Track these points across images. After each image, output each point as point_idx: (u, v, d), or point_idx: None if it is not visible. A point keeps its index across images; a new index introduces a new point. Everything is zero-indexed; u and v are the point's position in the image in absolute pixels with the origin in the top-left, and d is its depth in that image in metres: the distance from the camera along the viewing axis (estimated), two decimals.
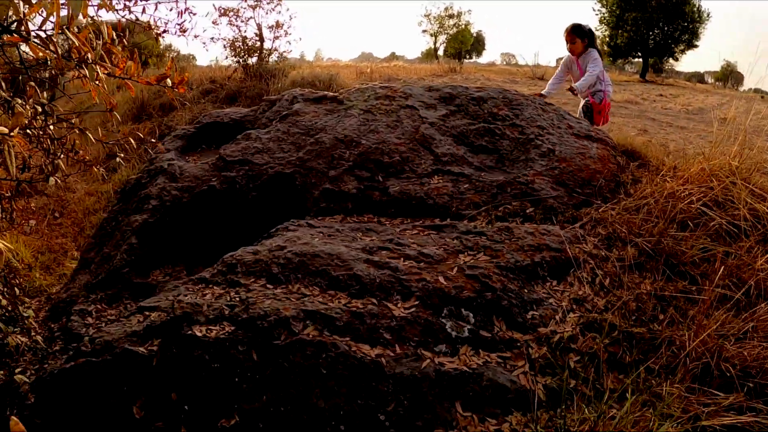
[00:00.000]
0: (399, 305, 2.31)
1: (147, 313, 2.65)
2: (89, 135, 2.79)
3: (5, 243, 1.55)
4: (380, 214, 3.01)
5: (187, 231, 3.22)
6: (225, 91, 6.44)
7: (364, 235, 2.79)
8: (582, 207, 2.89)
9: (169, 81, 2.35)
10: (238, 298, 2.44)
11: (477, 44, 28.59)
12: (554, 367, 2.24)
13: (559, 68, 4.62)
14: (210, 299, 2.49)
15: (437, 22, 24.35)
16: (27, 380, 2.14)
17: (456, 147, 3.15)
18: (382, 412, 2.06)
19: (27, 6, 1.73)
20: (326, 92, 3.50)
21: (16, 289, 2.67)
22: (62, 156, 3.03)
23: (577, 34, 4.37)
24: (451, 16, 24.07)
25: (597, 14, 20.32)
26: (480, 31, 29.83)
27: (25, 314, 2.26)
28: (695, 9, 18.65)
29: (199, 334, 2.27)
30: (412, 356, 2.16)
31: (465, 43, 24.64)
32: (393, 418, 2.04)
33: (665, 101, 9.23)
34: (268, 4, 7.26)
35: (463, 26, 24.27)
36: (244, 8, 7.27)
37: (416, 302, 2.30)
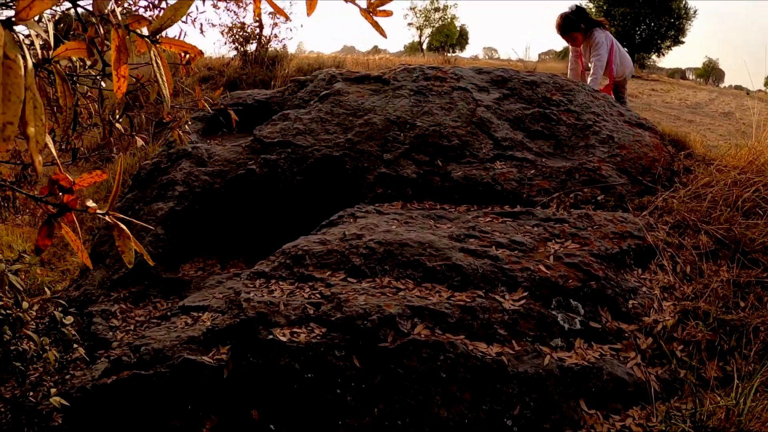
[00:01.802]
0: (507, 297, 2.20)
1: (195, 314, 2.34)
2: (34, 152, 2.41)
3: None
4: (442, 200, 2.87)
5: (220, 220, 2.90)
6: (225, 77, 5.96)
7: (438, 222, 2.64)
8: (645, 195, 2.92)
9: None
10: (319, 295, 2.21)
11: (461, 38, 29.06)
12: (662, 357, 2.24)
13: (570, 58, 4.40)
14: (282, 296, 2.23)
15: (423, 15, 24.66)
16: (54, 398, 1.77)
17: (513, 132, 3.07)
18: (508, 416, 1.95)
19: None
20: (368, 72, 3.28)
21: (18, 290, 2.22)
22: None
23: (572, 29, 4.02)
24: (437, 10, 24.44)
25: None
26: (464, 25, 30.36)
27: (28, 319, 1.88)
28: (682, 6, 19.61)
29: (283, 338, 2.03)
30: (532, 352, 2.06)
31: (451, 37, 24.95)
32: (521, 422, 1.94)
33: (660, 96, 9.73)
34: None
35: (449, 20, 24.71)
36: None
37: (525, 294, 2.20)
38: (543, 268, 2.31)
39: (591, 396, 2.04)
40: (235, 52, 6.83)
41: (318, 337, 2.04)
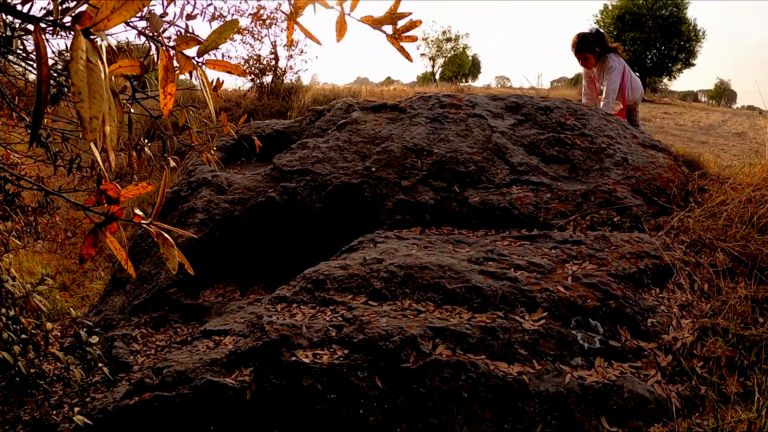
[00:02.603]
0: (527, 318, 2.26)
1: (216, 337, 2.43)
2: (95, 152, 2.55)
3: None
4: (460, 225, 2.95)
5: (240, 247, 3.00)
6: (242, 109, 6.17)
7: (457, 246, 2.72)
8: (660, 215, 2.99)
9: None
10: (341, 318, 2.28)
11: (473, 67, 29.58)
12: (682, 374, 2.27)
13: (583, 84, 4.51)
14: (304, 320, 2.31)
15: (435, 45, 25.11)
16: (88, 421, 1.85)
17: (528, 157, 3.17)
18: (534, 428, 1.99)
19: None
20: (385, 101, 3.41)
21: (42, 315, 2.31)
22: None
23: (586, 50, 4.13)
24: (448, 40, 24.88)
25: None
26: (476, 54, 31.04)
27: (50, 343, 1.96)
28: (691, 28, 19.91)
29: (305, 360, 2.10)
30: (553, 371, 2.11)
31: (463, 66, 25.38)
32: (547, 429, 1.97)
33: (673, 118, 9.88)
34: (282, 22, 7.05)
35: (461, 49, 25.15)
36: (259, 27, 7.04)
37: (544, 314, 2.26)
38: (562, 289, 2.37)
39: (612, 414, 2.07)
40: (251, 84, 7.05)
41: (340, 359, 2.11)
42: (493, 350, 2.13)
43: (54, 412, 2.09)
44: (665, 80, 21.69)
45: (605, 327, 2.29)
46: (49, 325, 2.38)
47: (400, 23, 1.24)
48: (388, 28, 1.28)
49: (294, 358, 2.12)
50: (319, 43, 1.39)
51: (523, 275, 2.43)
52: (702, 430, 2.10)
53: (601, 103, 4.01)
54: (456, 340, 2.14)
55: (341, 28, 1.20)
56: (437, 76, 25.55)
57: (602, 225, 2.88)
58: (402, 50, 1.27)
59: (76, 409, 2.06)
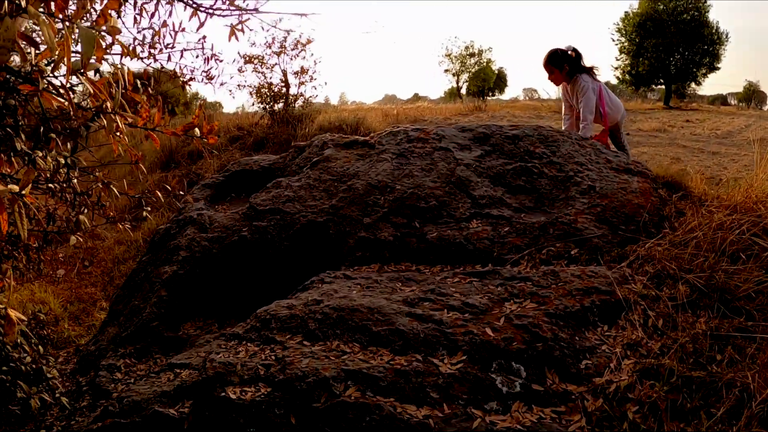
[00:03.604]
0: (446, 361, 2.29)
1: (177, 370, 2.67)
2: (114, 189, 2.87)
3: (34, 295, 1.58)
4: (419, 261, 3.02)
5: (218, 283, 3.26)
6: (252, 137, 6.62)
7: (404, 285, 2.79)
8: (627, 244, 2.86)
9: (197, 131, 2.41)
10: (273, 357, 2.45)
11: (499, 81, 29.13)
12: (612, 420, 2.19)
13: (563, 108, 4.44)
14: (244, 357, 2.50)
15: (458, 61, 25.15)
16: None
17: (493, 189, 3.16)
18: None
19: (35, 50, 1.69)
20: (357, 137, 3.57)
21: (40, 347, 2.70)
22: (86, 211, 3.11)
23: (552, 64, 4.12)
24: (472, 55, 24.82)
25: (617, 44, 21.26)
26: (502, 67, 30.58)
27: (48, 374, 2.28)
28: (714, 31, 19.37)
29: (233, 396, 2.28)
30: (462, 415, 2.13)
31: (488, 81, 25.23)
32: None
33: (693, 127, 9.31)
34: (292, 50, 7.49)
35: (485, 64, 24.97)
36: (269, 55, 7.51)
37: (464, 357, 2.29)
38: (489, 331, 2.37)
39: None
40: (263, 112, 7.41)
41: (262, 396, 2.27)
42: (403, 393, 2.19)
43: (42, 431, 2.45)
44: (693, 85, 20.68)
45: (529, 370, 2.26)
46: (51, 359, 2.77)
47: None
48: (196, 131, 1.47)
49: (224, 394, 2.31)
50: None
51: (452, 317, 2.46)
52: None
53: (581, 125, 3.88)
54: (367, 382, 2.22)
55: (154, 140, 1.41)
56: (463, 91, 25.30)
57: (558, 258, 2.81)
58: (205, 147, 1.45)
59: (55, 429, 2.40)
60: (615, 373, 2.35)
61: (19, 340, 2.31)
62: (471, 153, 3.29)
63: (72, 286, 4.35)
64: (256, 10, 2.48)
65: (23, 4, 1.16)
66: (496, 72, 27.60)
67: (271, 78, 7.40)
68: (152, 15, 2.94)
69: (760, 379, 2.13)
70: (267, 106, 7.38)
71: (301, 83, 7.48)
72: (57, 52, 1.40)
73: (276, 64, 7.40)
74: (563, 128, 4.29)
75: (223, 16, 2.56)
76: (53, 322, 3.57)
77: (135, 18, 3.01)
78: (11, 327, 1.50)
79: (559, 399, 2.23)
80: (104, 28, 1.55)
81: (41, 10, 1.30)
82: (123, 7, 2.92)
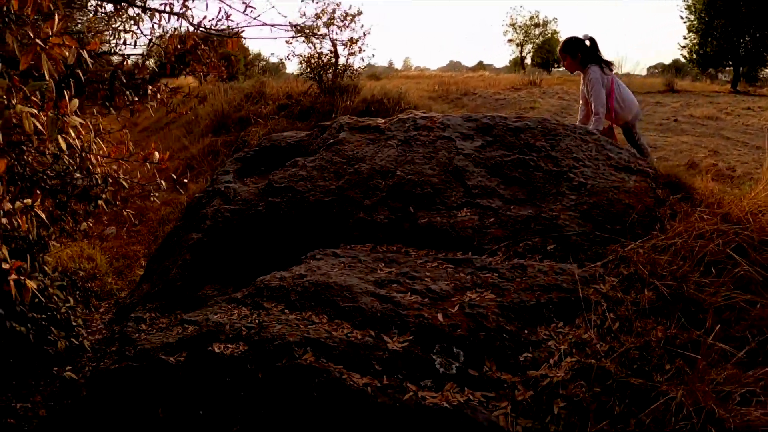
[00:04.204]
0: (395, 339, 2.66)
1: (186, 326, 3.26)
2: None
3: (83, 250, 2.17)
4: (409, 244, 3.36)
5: (237, 251, 3.82)
6: (299, 106, 7.13)
7: (386, 266, 3.16)
8: (609, 244, 3.00)
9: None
10: (257, 321, 2.95)
11: None
12: (538, 411, 2.44)
13: (581, 102, 4.55)
14: (235, 319, 3.03)
15: (522, 31, 24.96)
16: (75, 376, 2.82)
17: (489, 179, 3.40)
18: None
19: None
20: (370, 122, 3.91)
21: (71, 299, 3.40)
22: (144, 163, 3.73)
23: (566, 51, 4.33)
24: (536, 25, 24.54)
25: (685, 22, 20.73)
26: None
27: (75, 323, 2.94)
28: None
29: (217, 351, 2.81)
30: (397, 387, 2.50)
31: (552, 53, 24.66)
32: None
33: (750, 116, 8.54)
34: (342, 21, 7.88)
35: (549, 35, 24.60)
36: (319, 25, 7.96)
37: (410, 337, 2.64)
38: (439, 316, 2.70)
39: None
40: (312, 82, 7.82)
41: (239, 353, 2.78)
42: (352, 362, 2.59)
43: (68, 368, 3.17)
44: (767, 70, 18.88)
45: (468, 356, 2.57)
46: (93, 309, 3.51)
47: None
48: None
49: (211, 348, 2.86)
50: None
51: (412, 300, 2.80)
52: None
53: (592, 118, 3.93)
54: (323, 350, 2.65)
55: None
56: (528, 61, 24.49)
57: (534, 252, 3.03)
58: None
59: (86, 370, 3.11)
60: (553, 368, 2.57)
61: (54, 293, 3.00)
62: (472, 143, 3.52)
63: (121, 243, 5.18)
64: None
65: None
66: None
67: (320, 48, 7.86)
68: None
69: (687, 396, 2.28)
70: (315, 76, 7.85)
71: (351, 54, 7.87)
72: None
73: (326, 34, 7.84)
74: (578, 120, 4.35)
75: None
76: (99, 276, 4.37)
77: None
78: (27, 293, 2.03)
79: (491, 385, 2.52)
80: None
81: None
82: None
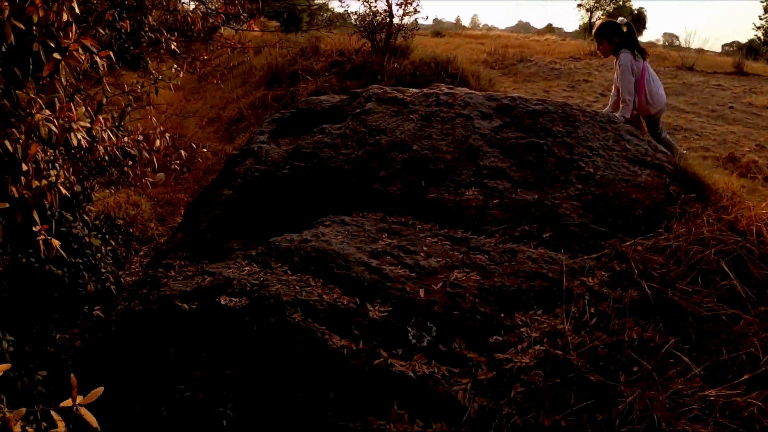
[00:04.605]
0: (377, 308, 2.92)
1: (205, 276, 3.68)
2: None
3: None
4: (417, 217, 3.57)
5: (262, 209, 4.19)
6: (350, 65, 7.32)
7: (389, 237, 3.40)
8: (609, 238, 3.06)
9: None
10: (261, 279, 3.31)
11: (637, 22, 27.12)
12: (495, 392, 2.63)
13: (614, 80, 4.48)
14: (244, 275, 3.40)
15: None
16: (102, 315, 3.33)
17: (502, 160, 3.51)
18: (332, 390, 2.74)
19: None
20: (397, 94, 4.07)
21: (103, 247, 3.87)
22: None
23: (602, 34, 4.30)
24: None
25: (762, 1, 19.17)
26: (641, 8, 28.24)
27: (104, 269, 3.43)
28: None
29: (223, 302, 3.20)
30: (370, 352, 2.77)
31: None
32: (338, 398, 2.71)
33: None
34: None
35: (620, 2, 23.18)
36: None
37: (390, 308, 2.89)
38: (421, 292, 2.92)
39: (405, 400, 2.65)
40: (365, 40, 7.88)
41: (241, 306, 3.15)
42: (335, 325, 2.88)
43: (97, 307, 3.69)
44: None
45: (441, 332, 2.79)
46: (133, 252, 4.04)
47: None
48: None
49: (218, 300, 3.27)
50: None
51: (400, 273, 3.03)
52: None
53: (620, 106, 3.85)
54: (311, 311, 2.95)
55: None
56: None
57: (529, 238, 3.14)
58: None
59: (97, 307, 3.62)
60: (519, 354, 2.73)
61: (90, 241, 3.47)
62: (490, 123, 3.61)
63: (168, 190, 5.70)
64: None
65: None
66: (635, 12, 26.10)
67: (375, 7, 7.90)
68: None
69: (639, 402, 2.38)
70: (368, 35, 7.93)
71: (405, 14, 7.85)
72: None
73: None
74: (607, 107, 4.27)
75: None
76: (142, 222, 4.92)
77: None
78: (52, 250, 2.45)
79: (457, 362, 2.73)
80: None
81: None
82: None
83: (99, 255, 3.40)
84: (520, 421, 2.54)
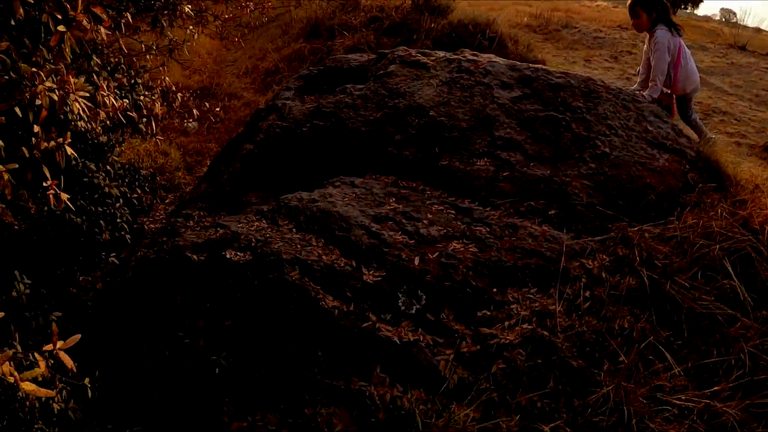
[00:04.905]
0: (371, 272, 3.02)
1: (219, 229, 3.85)
2: None
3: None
4: (428, 183, 3.60)
5: (281, 165, 4.30)
6: (389, 21, 7.22)
7: (396, 201, 3.46)
8: (616, 221, 3.03)
9: None
10: (267, 235, 3.45)
11: None
12: (477, 366, 2.70)
13: (642, 59, 4.26)
14: (251, 230, 3.53)
15: None
16: (117, 262, 3.57)
17: (518, 132, 3.48)
18: (321, 350, 2.88)
19: None
20: (420, 58, 4.06)
21: (120, 199, 4.07)
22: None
23: (641, 6, 4.03)
24: None
25: None
26: None
27: (119, 220, 3.62)
28: None
29: (228, 256, 3.35)
30: (360, 315, 2.88)
31: None
32: (326, 356, 2.84)
33: None
34: None
35: None
36: None
37: (384, 273, 2.98)
38: (416, 260, 2.99)
39: (388, 365, 2.74)
40: None
41: (245, 260, 3.30)
42: (329, 285, 2.99)
43: (113, 254, 3.92)
44: None
45: (430, 301, 2.86)
46: (159, 201, 4.27)
47: None
48: None
49: (224, 253, 3.43)
50: None
51: (399, 240, 3.10)
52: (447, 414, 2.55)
53: (649, 85, 3.68)
54: (309, 270, 3.06)
55: None
56: None
57: (534, 214, 3.14)
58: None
59: (113, 254, 3.85)
60: (505, 330, 2.77)
61: (111, 191, 3.67)
62: (510, 93, 3.56)
63: (200, 139, 5.89)
64: None
65: None
66: None
67: None
68: None
69: (615, 394, 2.40)
70: None
71: None
72: None
73: None
74: (635, 84, 4.11)
75: None
76: (170, 171, 5.13)
77: None
78: (60, 202, 2.63)
79: (443, 332, 2.80)
80: None
81: None
82: None
83: (117, 205, 3.60)
84: (497, 396, 2.61)
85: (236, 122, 6.05)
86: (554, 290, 2.87)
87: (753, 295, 2.58)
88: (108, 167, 3.75)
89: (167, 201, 4.66)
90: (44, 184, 2.27)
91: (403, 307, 2.88)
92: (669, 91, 3.87)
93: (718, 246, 2.66)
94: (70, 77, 1.93)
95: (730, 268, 2.57)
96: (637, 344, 2.61)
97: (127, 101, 2.85)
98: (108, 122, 2.46)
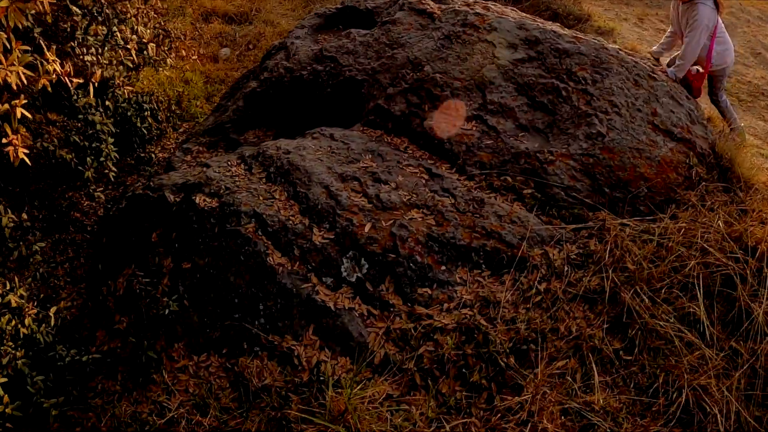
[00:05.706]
0: (321, 233, 3.01)
1: (203, 168, 3.97)
2: None
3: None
4: (412, 141, 3.49)
5: (281, 105, 4.29)
6: None
7: (372, 159, 3.39)
8: (597, 210, 2.84)
9: None
10: (235, 183, 3.51)
11: None
12: (404, 345, 2.65)
13: (669, 30, 3.88)
14: (225, 177, 3.58)
15: None
16: (102, 196, 3.78)
17: (513, 98, 3.29)
18: (262, 304, 2.93)
19: None
20: (428, 6, 3.89)
21: (109, 138, 4.19)
22: None
23: None
24: None
25: None
26: None
27: (103, 158, 3.77)
28: None
29: (197, 201, 3.45)
30: (302, 276, 2.90)
31: None
32: (267, 311, 2.89)
33: None
34: None
35: None
36: None
37: (333, 236, 2.97)
38: (367, 227, 2.94)
39: (320, 328, 2.76)
40: None
41: (209, 207, 3.39)
42: (279, 243, 3.01)
43: (99, 189, 4.13)
44: None
45: (372, 271, 2.82)
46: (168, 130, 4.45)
47: None
48: None
49: (193, 197, 3.52)
50: None
51: (357, 202, 3.05)
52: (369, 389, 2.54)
53: (676, 62, 3.30)
54: (264, 225, 3.09)
55: None
56: None
57: (509, 191, 2.98)
58: None
59: (99, 191, 4.05)
60: (443, 313, 2.69)
61: (103, 128, 3.82)
62: (513, 54, 3.34)
63: (228, 67, 5.92)
64: None
65: None
66: None
67: None
68: None
69: (532, 402, 2.29)
70: None
71: None
72: None
73: None
74: (662, 40, 3.72)
75: None
76: (188, 99, 5.23)
77: None
78: (17, 159, 2.81)
79: (380, 304, 2.77)
80: None
81: None
82: None
83: (104, 144, 3.76)
84: (419, 378, 2.58)
85: (263, 52, 6.10)
86: (509, 276, 2.74)
87: (725, 322, 2.34)
88: (107, 102, 3.92)
89: (181, 130, 4.83)
90: (3, 141, 2.51)
91: (345, 273, 2.87)
92: (701, 69, 3.50)
93: (695, 262, 2.42)
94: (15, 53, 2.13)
95: (699, 292, 2.33)
96: (580, 352, 2.47)
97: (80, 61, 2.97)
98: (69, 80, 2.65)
